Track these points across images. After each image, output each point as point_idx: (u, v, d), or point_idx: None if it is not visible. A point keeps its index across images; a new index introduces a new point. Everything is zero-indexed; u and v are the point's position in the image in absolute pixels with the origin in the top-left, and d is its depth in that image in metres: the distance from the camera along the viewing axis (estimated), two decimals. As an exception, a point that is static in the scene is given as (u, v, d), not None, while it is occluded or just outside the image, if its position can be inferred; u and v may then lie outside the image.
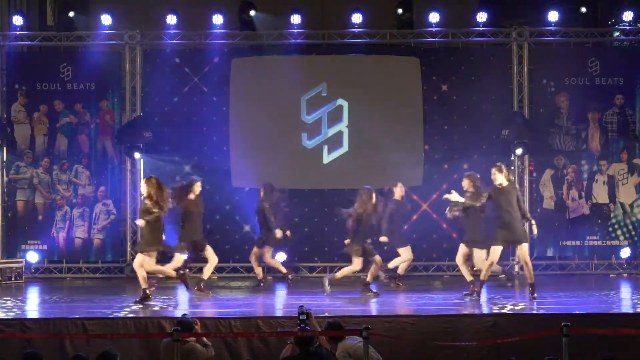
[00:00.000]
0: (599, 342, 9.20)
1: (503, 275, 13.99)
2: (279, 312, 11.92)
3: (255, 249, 13.95)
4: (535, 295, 11.96)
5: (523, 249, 12.02)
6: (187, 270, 15.45)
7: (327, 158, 15.66)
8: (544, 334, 8.66)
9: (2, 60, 15.91)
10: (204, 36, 15.81)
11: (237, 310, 11.62)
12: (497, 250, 11.93)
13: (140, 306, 11.62)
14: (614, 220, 15.61)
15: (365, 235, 12.70)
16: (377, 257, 12.70)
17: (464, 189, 12.69)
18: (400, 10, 15.67)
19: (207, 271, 12.98)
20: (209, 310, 11.67)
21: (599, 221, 15.62)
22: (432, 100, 15.68)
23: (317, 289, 13.18)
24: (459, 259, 12.77)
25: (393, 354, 9.46)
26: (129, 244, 15.61)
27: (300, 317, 7.93)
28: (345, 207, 12.83)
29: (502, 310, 11.08)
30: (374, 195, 12.72)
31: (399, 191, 13.86)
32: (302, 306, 8.22)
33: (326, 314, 10.37)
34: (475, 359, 10.02)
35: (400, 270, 13.77)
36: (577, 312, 10.82)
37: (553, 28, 15.78)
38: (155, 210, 11.89)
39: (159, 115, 15.75)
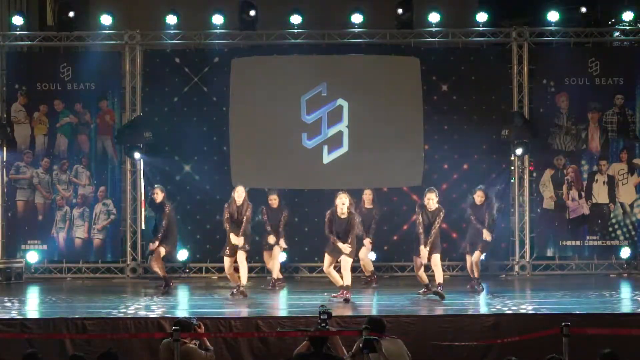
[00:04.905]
0: (599, 342, 9.19)
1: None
2: (280, 312, 11.94)
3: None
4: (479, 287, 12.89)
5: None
6: (188, 271, 15.57)
7: (327, 158, 15.64)
8: (544, 334, 8.66)
9: (2, 60, 15.89)
10: (204, 36, 15.80)
11: (237, 310, 11.63)
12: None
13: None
14: (614, 220, 15.59)
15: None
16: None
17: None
18: (400, 10, 15.62)
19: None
20: (209, 310, 11.66)
21: (599, 221, 15.59)
22: (432, 100, 15.65)
23: (315, 288, 13.19)
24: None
25: (393, 354, 9.45)
26: (129, 244, 15.59)
27: (321, 317, 7.92)
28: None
29: (502, 311, 11.08)
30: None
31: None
32: (323, 305, 8.21)
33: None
34: (475, 359, 10.02)
35: None
36: (577, 312, 10.83)
37: (553, 28, 15.77)
38: None
39: (159, 115, 15.74)
